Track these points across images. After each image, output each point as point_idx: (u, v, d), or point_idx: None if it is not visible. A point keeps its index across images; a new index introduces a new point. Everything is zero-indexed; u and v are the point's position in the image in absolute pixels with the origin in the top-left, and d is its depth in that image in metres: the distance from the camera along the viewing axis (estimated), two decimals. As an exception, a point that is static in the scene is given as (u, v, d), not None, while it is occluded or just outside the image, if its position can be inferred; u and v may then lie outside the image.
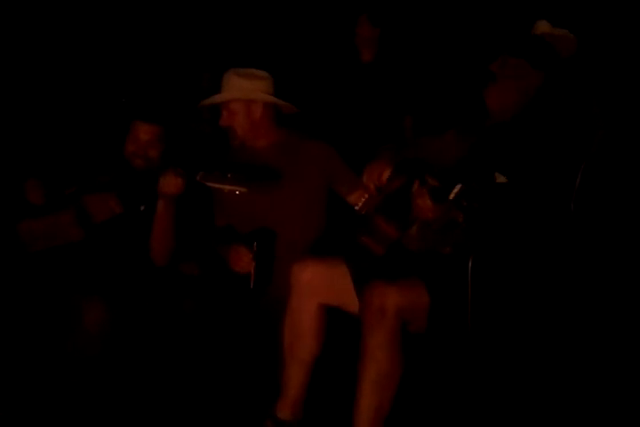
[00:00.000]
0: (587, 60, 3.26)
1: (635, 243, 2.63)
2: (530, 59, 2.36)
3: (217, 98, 2.71)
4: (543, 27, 3.34)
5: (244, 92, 2.67)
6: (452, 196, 2.04)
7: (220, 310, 2.50)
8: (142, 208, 2.59)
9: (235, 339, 2.50)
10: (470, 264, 2.17)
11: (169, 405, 2.38)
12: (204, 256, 2.69)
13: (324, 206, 2.76)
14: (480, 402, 2.31)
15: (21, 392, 2.34)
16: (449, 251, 2.18)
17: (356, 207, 2.35)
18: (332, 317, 2.34)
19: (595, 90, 3.05)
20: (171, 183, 2.48)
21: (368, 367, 2.08)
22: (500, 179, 2.10)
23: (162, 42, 4.67)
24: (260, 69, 2.75)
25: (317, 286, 2.29)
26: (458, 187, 2.05)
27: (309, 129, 2.94)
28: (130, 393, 2.40)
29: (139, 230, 2.57)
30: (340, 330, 2.36)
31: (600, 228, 2.49)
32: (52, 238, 2.54)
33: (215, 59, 4.38)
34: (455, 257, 2.18)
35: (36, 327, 2.40)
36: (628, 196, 2.68)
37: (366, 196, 2.33)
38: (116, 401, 2.36)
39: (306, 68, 4.23)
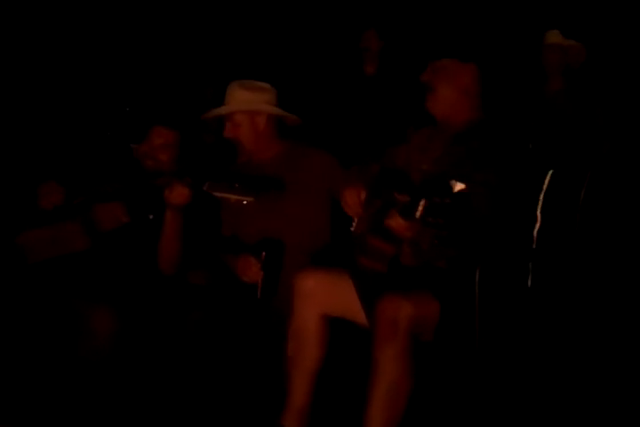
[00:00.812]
0: (596, 70, 3.29)
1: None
2: (454, 54, 2.31)
3: (221, 110, 2.72)
4: (554, 37, 3.36)
5: (248, 103, 2.68)
6: (417, 214, 1.96)
7: (227, 319, 2.50)
8: (151, 217, 2.60)
9: (241, 347, 2.50)
10: (477, 275, 2.17)
11: (175, 414, 2.37)
12: (212, 265, 2.69)
13: (328, 216, 2.75)
14: (487, 410, 2.30)
15: (28, 398, 2.33)
16: (444, 265, 2.17)
17: (351, 229, 2.35)
18: (339, 326, 2.34)
19: (602, 100, 3.07)
20: (178, 193, 2.48)
21: (380, 380, 2.05)
22: (458, 186, 1.99)
23: (166, 56, 4.70)
24: (263, 81, 2.76)
25: (320, 294, 2.28)
26: (422, 203, 1.96)
27: (312, 140, 2.95)
28: (138, 401, 2.39)
29: (146, 239, 2.57)
30: (347, 340, 2.36)
31: (606, 238, 2.49)
32: (58, 247, 2.54)
33: (219, 72, 4.41)
34: (462, 269, 2.18)
35: (44, 336, 2.39)
36: (633, 206, 2.69)
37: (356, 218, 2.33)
38: (123, 410, 2.35)
39: (309, 81, 4.26)
